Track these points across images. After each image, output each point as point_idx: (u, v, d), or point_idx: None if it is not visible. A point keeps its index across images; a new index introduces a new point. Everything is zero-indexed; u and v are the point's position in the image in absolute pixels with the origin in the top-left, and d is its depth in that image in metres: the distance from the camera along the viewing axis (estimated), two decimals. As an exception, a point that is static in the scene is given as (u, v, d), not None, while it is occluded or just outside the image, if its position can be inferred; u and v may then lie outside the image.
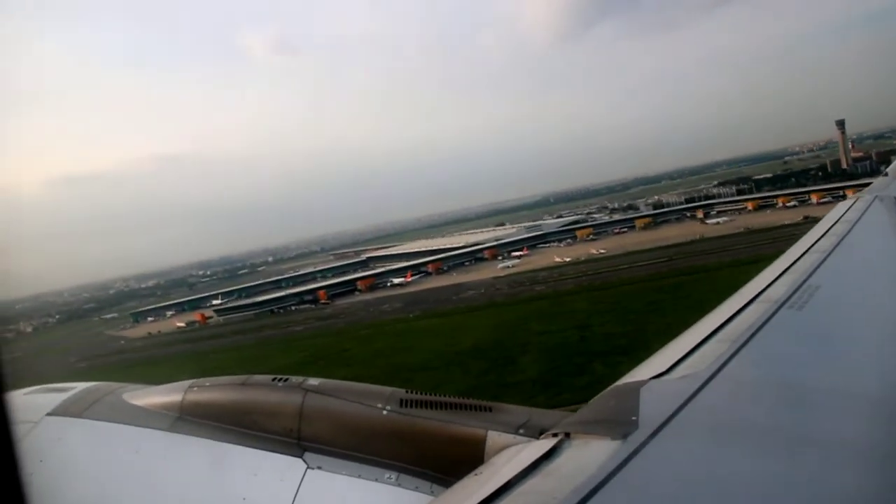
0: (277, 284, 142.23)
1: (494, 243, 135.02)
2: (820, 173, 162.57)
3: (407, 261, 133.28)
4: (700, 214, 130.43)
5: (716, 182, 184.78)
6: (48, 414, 3.47)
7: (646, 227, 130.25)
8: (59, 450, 3.32)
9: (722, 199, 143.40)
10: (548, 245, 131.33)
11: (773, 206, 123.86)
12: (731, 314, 4.03)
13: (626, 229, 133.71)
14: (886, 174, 12.26)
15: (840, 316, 4.30)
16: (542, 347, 51.55)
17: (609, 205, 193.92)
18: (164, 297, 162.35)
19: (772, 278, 4.96)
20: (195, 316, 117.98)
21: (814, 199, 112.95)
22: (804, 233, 7.22)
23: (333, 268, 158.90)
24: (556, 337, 54.58)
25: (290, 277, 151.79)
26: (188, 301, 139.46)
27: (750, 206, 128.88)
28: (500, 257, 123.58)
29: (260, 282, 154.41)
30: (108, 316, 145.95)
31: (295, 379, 3.50)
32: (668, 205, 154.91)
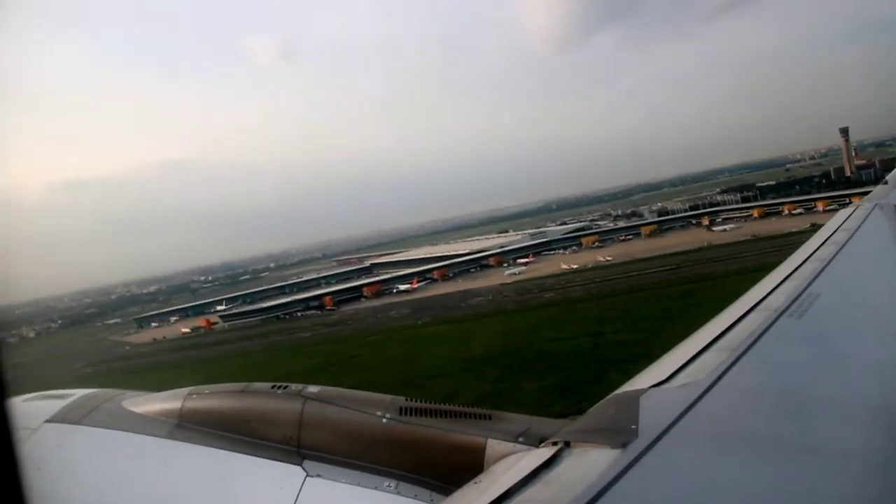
0: (281, 290, 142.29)
1: (499, 250, 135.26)
2: (824, 181, 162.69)
3: (411, 267, 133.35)
4: (706, 222, 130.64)
5: (719, 189, 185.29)
6: (47, 421, 3.46)
7: (651, 235, 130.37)
8: (58, 457, 3.30)
9: (727, 207, 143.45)
10: (553, 252, 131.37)
11: (779, 213, 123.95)
12: (730, 322, 4.05)
13: (631, 236, 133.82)
14: (886, 182, 12.25)
15: (840, 324, 4.27)
16: (556, 355, 51.34)
17: (612, 212, 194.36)
18: (167, 303, 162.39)
19: (772, 287, 4.99)
20: (200, 321, 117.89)
21: (820, 206, 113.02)
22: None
23: (337, 274, 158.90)
24: (570, 344, 54.28)
25: (294, 283, 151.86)
26: (192, 307, 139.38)
27: (756, 213, 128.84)
28: (505, 264, 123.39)
29: (264, 288, 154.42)
30: (111, 321, 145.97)
31: (294, 386, 3.49)
32: (673, 212, 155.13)
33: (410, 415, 3.24)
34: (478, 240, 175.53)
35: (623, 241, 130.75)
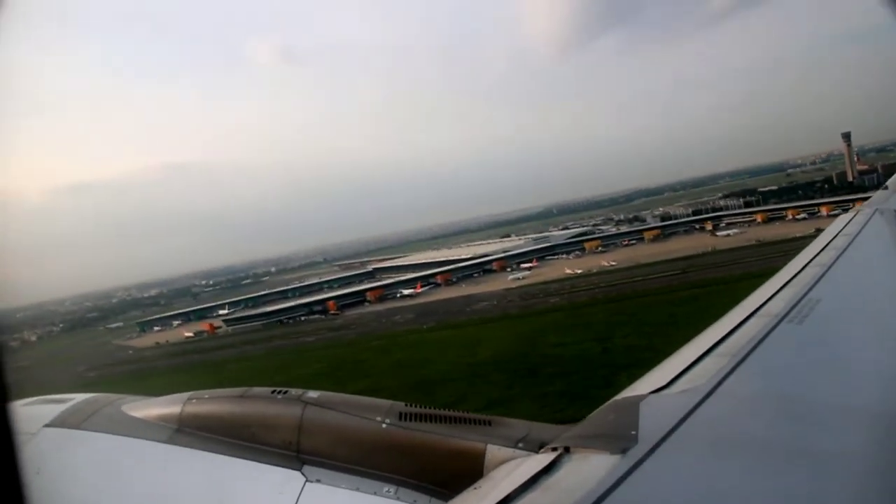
0: (284, 295, 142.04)
1: (503, 255, 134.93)
2: (826, 185, 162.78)
3: (413, 272, 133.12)
4: (709, 226, 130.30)
5: (720, 194, 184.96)
6: (46, 425, 3.46)
7: (654, 240, 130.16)
8: (57, 461, 3.30)
9: (730, 212, 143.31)
10: (556, 257, 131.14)
11: (782, 218, 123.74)
12: (730, 328, 4.05)
13: (634, 241, 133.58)
14: (887, 187, 12.36)
15: (840, 330, 4.31)
16: (564, 359, 51.15)
17: (614, 216, 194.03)
18: (168, 307, 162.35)
19: (772, 292, 5.02)
20: (203, 326, 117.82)
21: (823, 211, 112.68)
22: None
23: (339, 278, 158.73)
24: (578, 349, 54.14)
25: (297, 288, 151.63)
26: (194, 311, 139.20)
27: (759, 218, 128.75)
28: (509, 269, 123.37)
29: (266, 292, 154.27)
30: (114, 325, 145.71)
31: (294, 392, 3.50)
32: (676, 217, 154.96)
33: (410, 420, 3.24)
34: (480, 244, 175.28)
35: (626, 245, 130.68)
